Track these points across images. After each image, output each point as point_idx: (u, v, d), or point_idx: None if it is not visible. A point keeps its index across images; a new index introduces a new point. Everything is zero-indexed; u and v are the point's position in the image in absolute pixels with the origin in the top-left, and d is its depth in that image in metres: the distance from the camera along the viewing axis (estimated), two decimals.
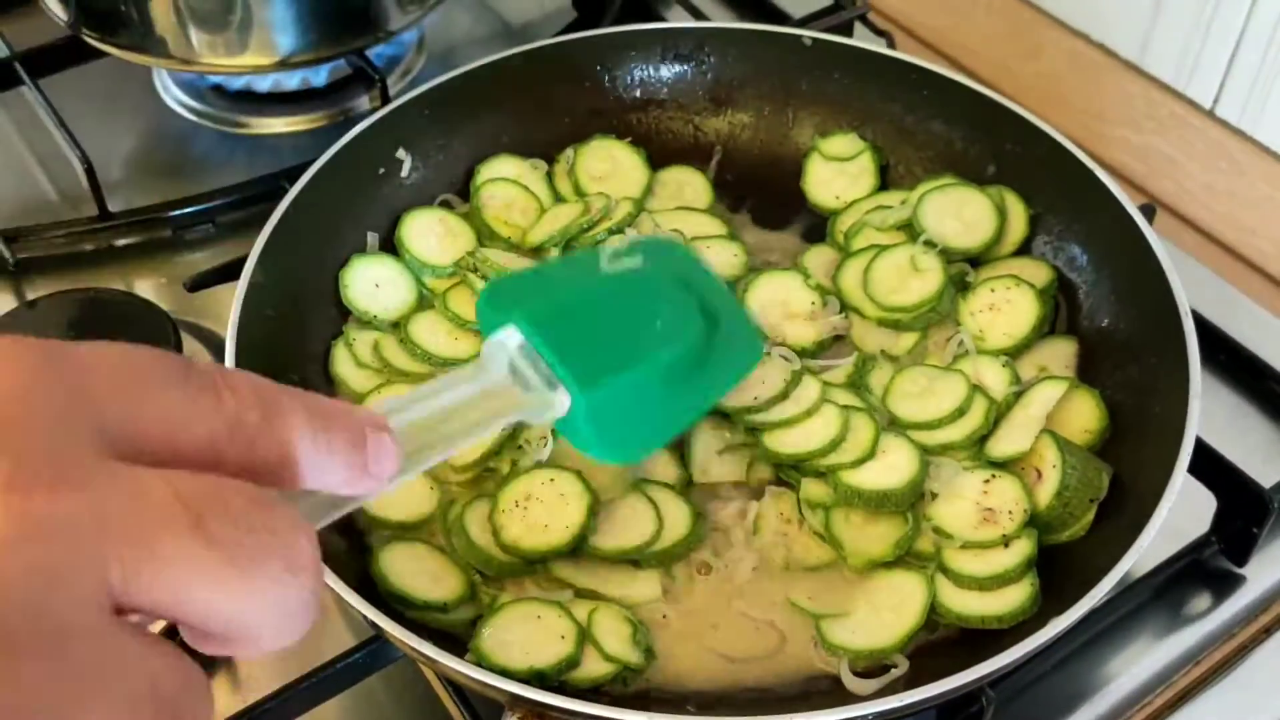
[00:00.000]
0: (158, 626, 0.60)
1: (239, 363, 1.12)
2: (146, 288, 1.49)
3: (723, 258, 1.31)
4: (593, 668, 1.01)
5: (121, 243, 1.54)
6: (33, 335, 1.29)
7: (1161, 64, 1.62)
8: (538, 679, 0.99)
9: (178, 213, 1.54)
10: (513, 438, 1.15)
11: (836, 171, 1.41)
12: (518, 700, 0.93)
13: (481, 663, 0.99)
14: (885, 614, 1.08)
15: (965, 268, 1.31)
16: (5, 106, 1.70)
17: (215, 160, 1.66)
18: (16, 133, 1.69)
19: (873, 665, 1.06)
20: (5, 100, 1.68)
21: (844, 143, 1.42)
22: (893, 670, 1.05)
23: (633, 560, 1.10)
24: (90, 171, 1.49)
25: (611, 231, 1.30)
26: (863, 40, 1.53)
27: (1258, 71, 1.53)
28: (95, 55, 1.63)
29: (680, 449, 1.18)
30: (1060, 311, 1.29)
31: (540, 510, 1.08)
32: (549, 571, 1.09)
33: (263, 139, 1.69)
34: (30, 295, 1.45)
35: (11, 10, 1.75)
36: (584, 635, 1.03)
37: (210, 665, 1.17)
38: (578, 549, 1.08)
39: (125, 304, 1.38)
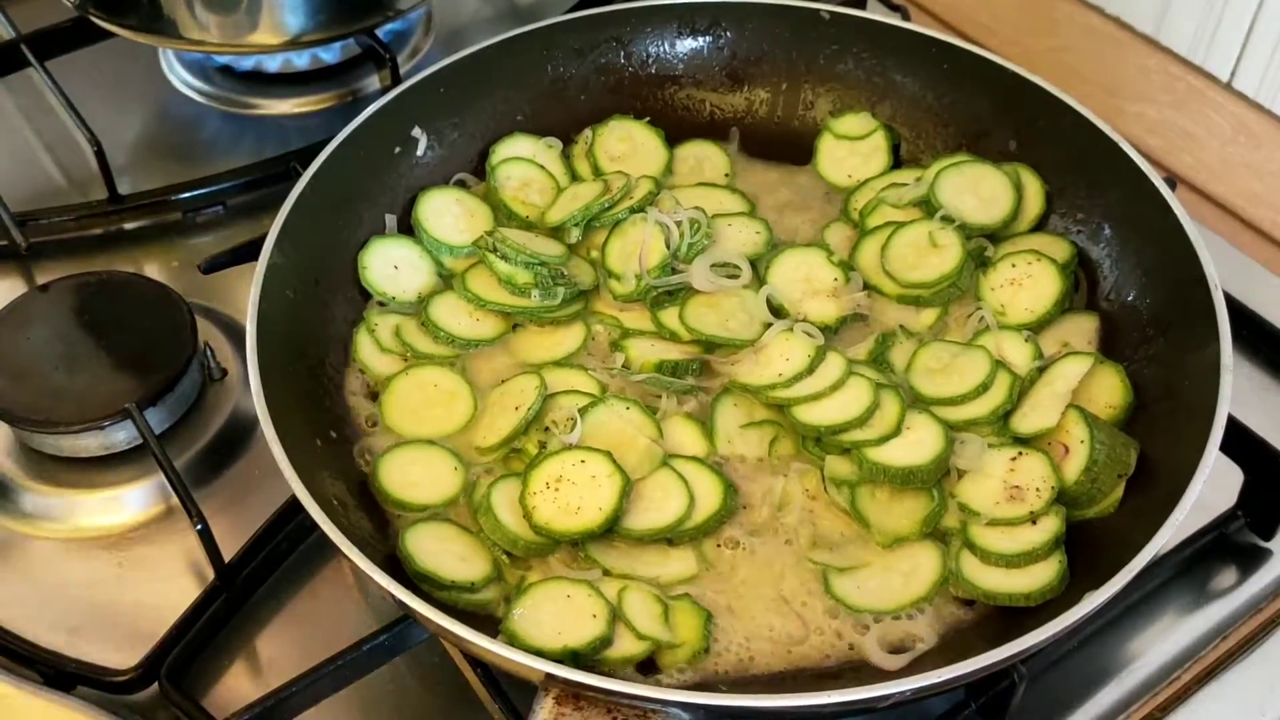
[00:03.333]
0: None
1: (259, 344, 1.11)
2: (156, 270, 1.48)
3: (744, 235, 1.30)
4: (625, 647, 1.01)
5: (131, 226, 1.52)
6: (45, 319, 1.30)
7: (1178, 37, 1.61)
8: (572, 658, 0.98)
9: (187, 195, 1.53)
10: (539, 419, 1.14)
11: (849, 150, 1.40)
12: (552, 680, 0.92)
13: (514, 642, 0.98)
14: (895, 577, 1.08)
15: (984, 243, 1.30)
16: (11, 89, 1.68)
17: (223, 142, 1.65)
18: (23, 116, 1.67)
19: (899, 642, 1.05)
20: (12, 83, 1.66)
21: (856, 121, 1.41)
22: (918, 645, 1.04)
23: (666, 538, 1.09)
24: (100, 154, 1.48)
25: (632, 210, 1.28)
26: (878, 13, 1.51)
27: (1276, 44, 1.52)
28: (102, 37, 1.61)
29: (705, 423, 1.17)
30: (1080, 288, 1.28)
31: (572, 492, 1.08)
32: (580, 552, 1.08)
33: (270, 120, 1.67)
34: (41, 279, 1.44)
35: None
36: (615, 614, 1.02)
37: (231, 650, 1.16)
38: (610, 530, 1.08)
39: (139, 287, 1.36)
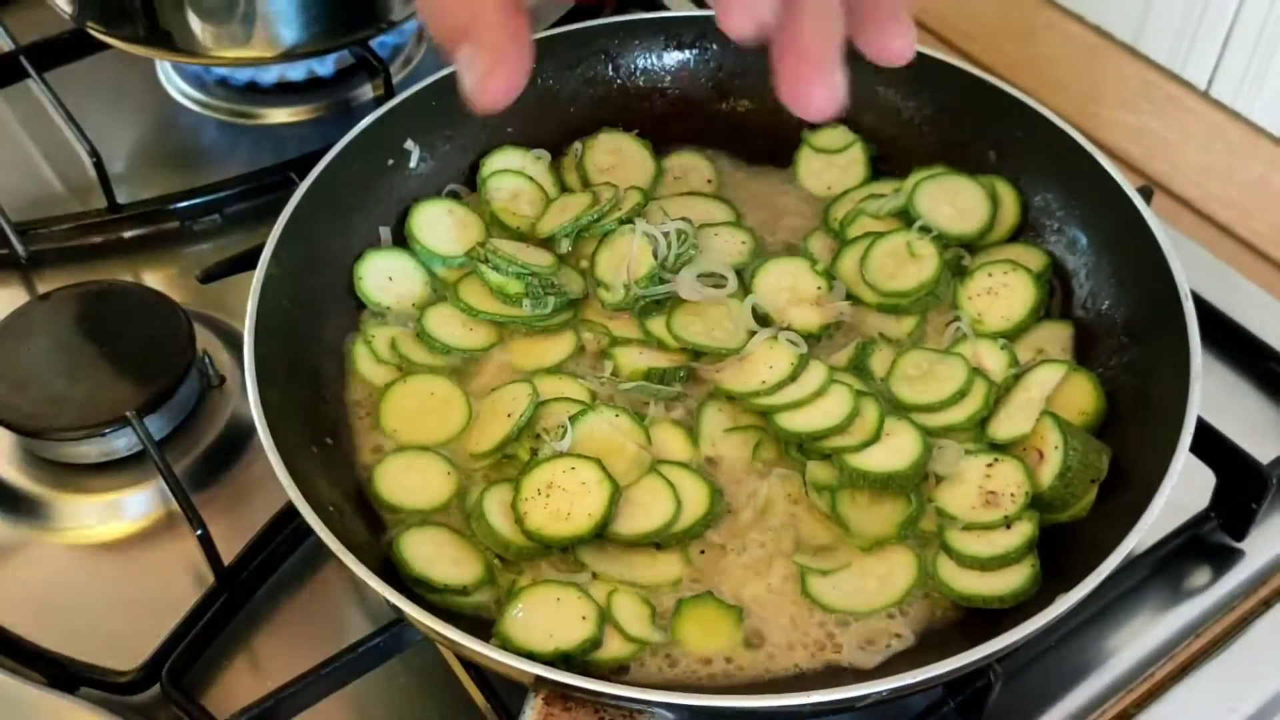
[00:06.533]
0: None
1: (257, 354, 1.13)
2: (155, 279, 1.51)
3: (730, 245, 1.33)
4: (614, 648, 1.04)
5: (130, 235, 1.55)
6: (46, 328, 1.32)
7: (1157, 46, 1.64)
8: (563, 660, 1.01)
9: (185, 204, 1.55)
10: (530, 425, 1.18)
11: (827, 163, 1.43)
12: (542, 682, 0.95)
13: (506, 645, 1.01)
14: (870, 580, 1.11)
15: (961, 253, 1.33)
16: (11, 100, 1.70)
17: (220, 150, 1.67)
18: (23, 127, 1.69)
19: (878, 641, 1.08)
20: (11, 94, 1.68)
21: (833, 135, 1.44)
22: (896, 644, 1.07)
23: (654, 542, 1.12)
24: (99, 164, 1.51)
25: (621, 221, 1.31)
26: None
27: (1252, 52, 1.55)
28: (99, 48, 1.64)
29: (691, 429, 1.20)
30: (1055, 296, 1.31)
31: (562, 499, 1.11)
32: (572, 556, 1.11)
33: (266, 129, 1.70)
34: (42, 288, 1.47)
35: (16, 3, 1.76)
36: (604, 616, 1.05)
37: (231, 651, 1.19)
38: (599, 535, 1.11)
39: (138, 296, 1.39)
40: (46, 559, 1.26)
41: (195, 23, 1.50)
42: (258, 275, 1.20)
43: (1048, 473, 1.13)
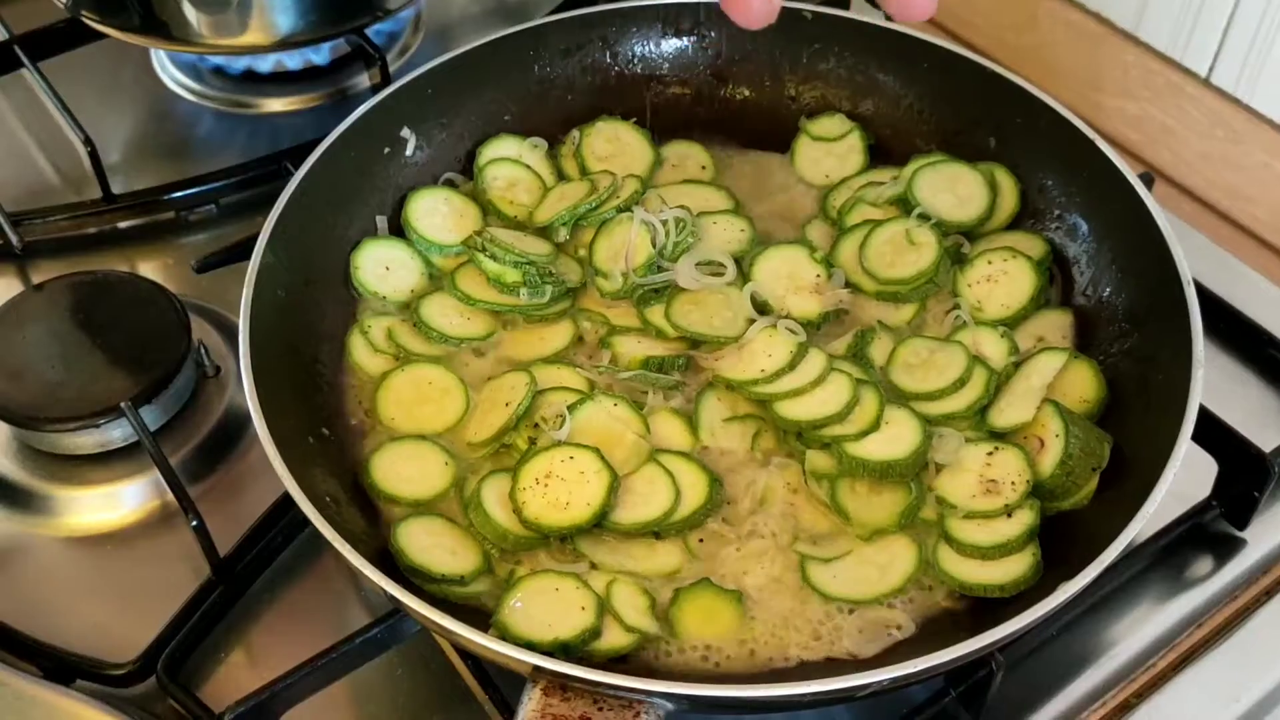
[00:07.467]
0: None
1: (252, 343, 1.13)
2: (150, 269, 1.50)
3: (729, 233, 1.32)
4: (613, 638, 1.03)
5: (125, 225, 1.54)
6: (40, 318, 1.32)
7: (1157, 33, 1.64)
8: (562, 650, 1.01)
9: (180, 194, 1.54)
10: (528, 415, 1.17)
11: (825, 151, 1.43)
12: (540, 672, 0.94)
13: (505, 635, 1.01)
14: (870, 568, 1.10)
15: (961, 240, 1.33)
16: (5, 90, 1.70)
17: (215, 140, 1.67)
18: (17, 117, 1.69)
19: (879, 630, 1.07)
20: (5, 84, 1.67)
21: (831, 123, 1.43)
22: (897, 633, 1.07)
23: (653, 532, 1.11)
24: (93, 154, 1.50)
25: (619, 209, 1.30)
26: (860, 12, 1.53)
27: (1252, 39, 1.54)
28: (94, 38, 1.63)
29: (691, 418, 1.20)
30: (1055, 283, 1.30)
31: (561, 488, 1.10)
32: (570, 546, 1.10)
33: (261, 118, 1.69)
34: (36, 279, 1.46)
35: None
36: (603, 606, 1.05)
37: (227, 643, 1.19)
38: (598, 524, 1.10)
39: (132, 286, 1.38)
40: (41, 550, 1.26)
41: (191, 11, 1.49)
42: (253, 265, 1.19)
43: (1049, 461, 1.12)
